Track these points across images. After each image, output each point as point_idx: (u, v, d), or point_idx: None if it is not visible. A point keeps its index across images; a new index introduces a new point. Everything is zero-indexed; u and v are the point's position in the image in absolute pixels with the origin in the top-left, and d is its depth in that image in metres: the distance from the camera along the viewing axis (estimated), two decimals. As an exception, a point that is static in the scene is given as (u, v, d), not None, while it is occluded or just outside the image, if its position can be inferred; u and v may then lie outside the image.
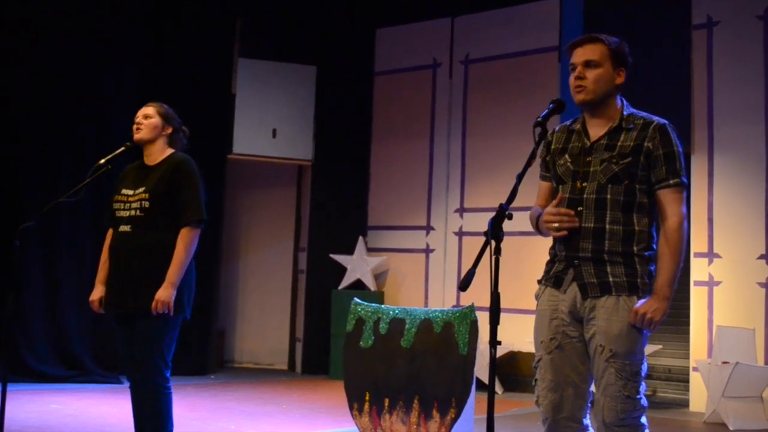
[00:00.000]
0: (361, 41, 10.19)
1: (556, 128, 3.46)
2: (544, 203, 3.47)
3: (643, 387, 3.21)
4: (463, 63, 9.55)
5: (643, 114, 3.34)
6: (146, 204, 4.26)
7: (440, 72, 9.73)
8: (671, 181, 3.23)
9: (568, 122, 3.46)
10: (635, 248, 3.23)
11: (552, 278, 3.35)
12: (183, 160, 4.36)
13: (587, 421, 3.33)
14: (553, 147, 3.43)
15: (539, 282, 3.45)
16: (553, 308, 3.32)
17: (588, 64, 3.28)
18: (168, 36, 9.23)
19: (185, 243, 4.21)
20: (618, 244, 3.22)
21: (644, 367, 3.22)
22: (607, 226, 3.22)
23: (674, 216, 3.22)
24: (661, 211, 3.26)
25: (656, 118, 3.30)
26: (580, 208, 3.26)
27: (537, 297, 3.43)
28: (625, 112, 3.32)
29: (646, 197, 3.26)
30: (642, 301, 3.18)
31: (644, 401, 3.21)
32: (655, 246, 3.28)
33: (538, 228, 3.39)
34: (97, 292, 4.37)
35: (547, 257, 3.44)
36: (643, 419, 3.23)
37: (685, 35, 8.17)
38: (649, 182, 3.25)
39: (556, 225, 3.24)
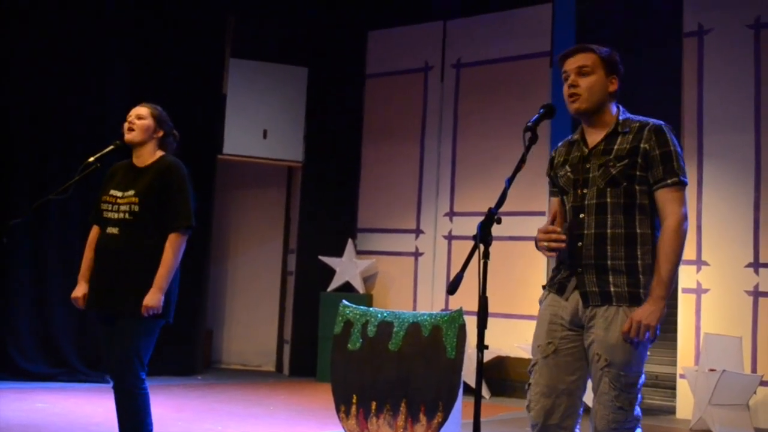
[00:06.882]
0: (353, 43, 10.18)
1: (559, 144, 3.45)
2: (551, 219, 3.48)
3: (638, 399, 3.19)
4: (455, 67, 9.56)
5: (640, 118, 3.33)
6: (135, 208, 4.24)
7: (432, 75, 9.73)
8: (669, 181, 3.19)
9: (569, 137, 3.47)
10: (639, 253, 3.19)
11: (556, 285, 3.35)
12: (173, 165, 4.34)
13: (578, 430, 3.32)
14: (555, 161, 3.44)
15: (544, 287, 3.44)
16: (554, 313, 3.31)
17: (580, 71, 3.30)
18: (159, 35, 9.20)
19: (173, 249, 4.22)
20: (620, 248, 3.18)
21: (641, 379, 3.19)
22: (609, 231, 3.20)
23: (672, 215, 3.17)
24: (660, 212, 3.21)
25: (652, 120, 3.30)
26: (582, 215, 3.26)
27: (540, 302, 3.43)
28: (620, 117, 3.32)
29: (647, 198, 3.22)
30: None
31: (638, 412, 3.19)
32: None
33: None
34: (81, 289, 4.36)
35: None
36: (638, 430, 3.21)
37: (676, 43, 8.21)
38: (649, 183, 3.22)
39: (545, 245, 3.24)
